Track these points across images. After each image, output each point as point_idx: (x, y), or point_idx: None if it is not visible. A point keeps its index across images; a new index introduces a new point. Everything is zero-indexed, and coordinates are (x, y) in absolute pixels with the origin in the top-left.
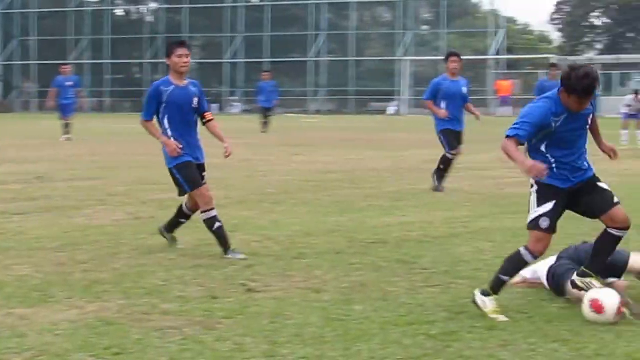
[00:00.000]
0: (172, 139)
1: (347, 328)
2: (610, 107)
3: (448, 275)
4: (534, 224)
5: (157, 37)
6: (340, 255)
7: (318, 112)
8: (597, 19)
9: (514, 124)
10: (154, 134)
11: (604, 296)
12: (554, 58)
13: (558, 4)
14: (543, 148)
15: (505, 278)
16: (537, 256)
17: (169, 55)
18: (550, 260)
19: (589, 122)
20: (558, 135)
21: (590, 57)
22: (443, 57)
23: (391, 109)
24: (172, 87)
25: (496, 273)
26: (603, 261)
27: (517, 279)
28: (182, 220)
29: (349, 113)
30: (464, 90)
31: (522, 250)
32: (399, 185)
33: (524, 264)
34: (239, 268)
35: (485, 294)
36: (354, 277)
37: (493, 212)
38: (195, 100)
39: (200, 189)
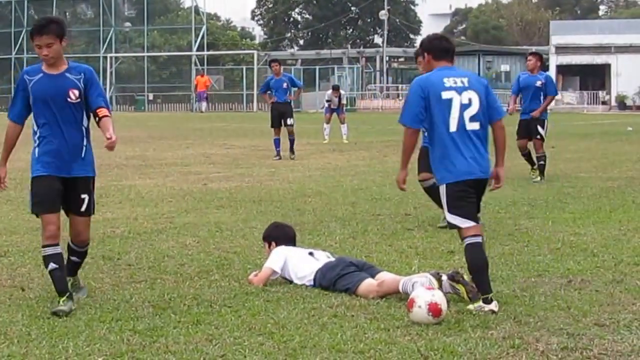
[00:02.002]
0: (37, 152)
1: (53, 325)
2: (313, 102)
3: (153, 270)
4: None
5: None
6: None
7: None
8: (299, 15)
9: None
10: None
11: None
12: (255, 53)
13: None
14: None
15: None
16: None
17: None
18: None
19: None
20: None
21: (293, 52)
22: (145, 54)
23: None
24: (39, 76)
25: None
26: None
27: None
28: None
29: None
30: (538, 83)
31: None
32: (103, 181)
33: None
34: None
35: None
36: None
37: (197, 207)
38: (74, 94)
39: (45, 217)
